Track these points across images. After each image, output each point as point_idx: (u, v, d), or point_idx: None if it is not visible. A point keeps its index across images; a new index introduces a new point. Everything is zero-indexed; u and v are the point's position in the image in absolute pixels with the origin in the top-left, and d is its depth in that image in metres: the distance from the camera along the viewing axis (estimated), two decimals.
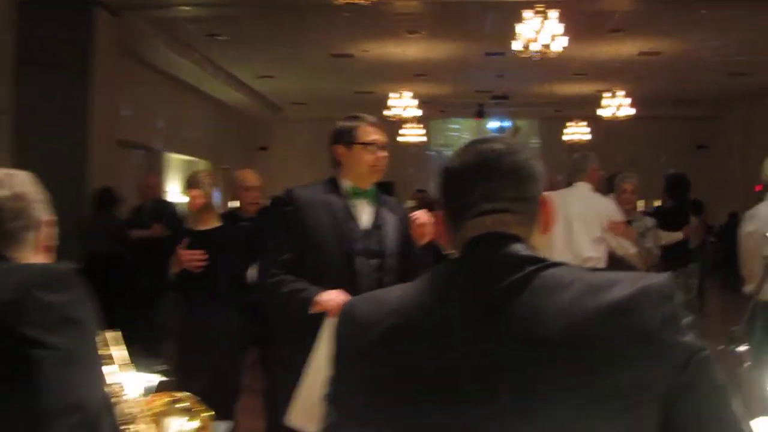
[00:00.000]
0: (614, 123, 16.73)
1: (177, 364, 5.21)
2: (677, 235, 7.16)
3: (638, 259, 6.32)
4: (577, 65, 14.93)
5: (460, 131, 22.89)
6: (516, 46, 10.54)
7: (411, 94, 16.25)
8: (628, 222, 6.43)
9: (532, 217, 1.49)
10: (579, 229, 6.47)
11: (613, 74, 15.58)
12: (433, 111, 19.95)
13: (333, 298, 3.39)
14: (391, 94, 16.20)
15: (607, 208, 6.49)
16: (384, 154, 3.71)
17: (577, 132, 19.41)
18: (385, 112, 16.06)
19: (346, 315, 1.49)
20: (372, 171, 3.69)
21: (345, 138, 3.71)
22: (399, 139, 18.97)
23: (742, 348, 3.68)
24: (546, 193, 1.54)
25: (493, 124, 22.04)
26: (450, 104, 20.09)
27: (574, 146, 18.87)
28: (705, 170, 18.93)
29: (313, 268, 3.55)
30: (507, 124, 22.48)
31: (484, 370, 1.33)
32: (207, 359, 5.10)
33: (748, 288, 5.27)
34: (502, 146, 1.50)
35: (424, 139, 19.84)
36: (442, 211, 1.52)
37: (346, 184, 3.71)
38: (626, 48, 13.67)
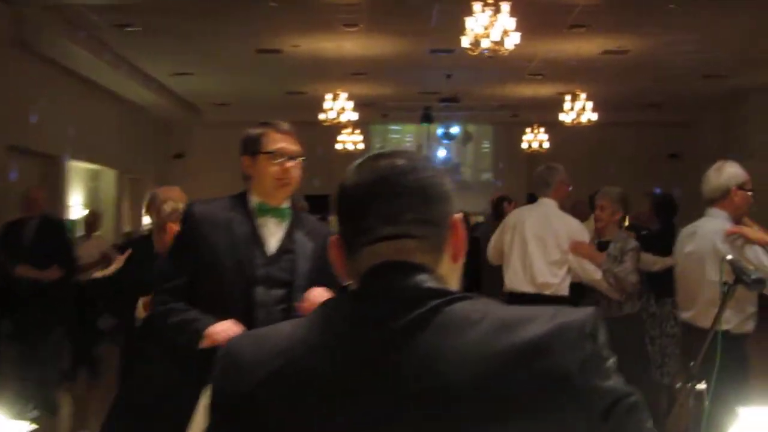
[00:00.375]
0: (576, 129, 16.84)
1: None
2: (668, 261, 7.13)
3: (606, 286, 6.36)
4: (534, 65, 15.09)
5: (404, 137, 23.06)
6: (465, 42, 10.59)
7: (347, 95, 16.23)
8: (604, 243, 6.48)
9: (439, 243, 1.47)
10: (534, 252, 6.55)
11: (574, 75, 15.75)
12: (373, 114, 20.09)
13: (226, 329, 3.35)
14: (325, 95, 16.17)
15: (568, 227, 6.55)
16: (292, 164, 3.66)
17: (535, 139, 19.56)
18: (320, 116, 16.08)
19: (225, 356, 1.46)
20: (278, 185, 3.64)
21: (250, 147, 3.67)
22: (336, 146, 18.92)
23: (701, 386, 3.76)
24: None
25: (440, 130, 22.25)
26: (392, 107, 20.22)
27: (533, 155, 19.37)
28: (677, 182, 18.89)
29: (208, 296, 3.51)
30: (456, 129, 22.64)
31: (377, 423, 1.31)
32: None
33: (688, 315, 5.35)
34: (405, 161, 1.49)
35: (363, 146, 19.70)
36: (338, 236, 1.50)
37: (254, 200, 3.67)
38: (589, 46, 13.83)
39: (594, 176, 14.90)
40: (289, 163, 3.65)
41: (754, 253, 4.99)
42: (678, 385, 3.88)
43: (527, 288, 6.58)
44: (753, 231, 5.13)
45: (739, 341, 4.94)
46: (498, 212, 10.20)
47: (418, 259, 1.44)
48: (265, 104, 17.82)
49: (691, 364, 3.80)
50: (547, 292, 6.52)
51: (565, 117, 16.45)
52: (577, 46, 13.73)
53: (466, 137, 23.11)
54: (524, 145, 19.84)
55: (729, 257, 4.00)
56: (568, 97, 16.46)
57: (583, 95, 16.27)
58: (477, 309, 1.36)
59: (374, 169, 1.48)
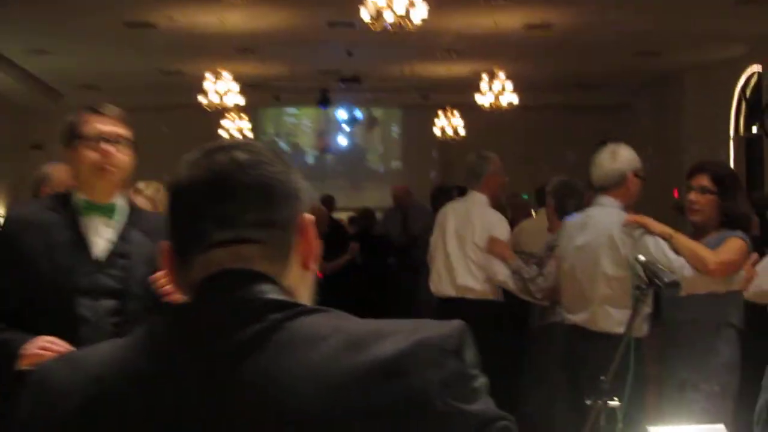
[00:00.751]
0: (495, 113, 16.80)
1: None
2: None
3: (514, 288, 6.47)
4: (446, 41, 15.08)
5: (299, 123, 23.16)
6: (364, 15, 10.50)
7: (232, 75, 16.10)
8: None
9: (285, 249, 1.49)
10: (453, 252, 6.79)
11: (492, 53, 15.77)
12: (263, 97, 19.98)
13: (46, 346, 3.29)
14: (206, 75, 16.02)
15: (486, 223, 6.69)
16: (112, 148, 3.55)
17: (449, 124, 19.61)
18: (200, 99, 15.97)
19: (35, 382, 1.45)
20: (99, 173, 3.55)
21: (67, 137, 3.61)
22: (220, 133, 18.77)
23: (614, 403, 3.91)
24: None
25: (342, 114, 22.34)
26: (285, 89, 20.09)
27: (447, 142, 19.71)
28: None
29: (28, 311, 3.44)
30: (359, 114, 22.76)
31: None
32: None
33: (578, 317, 5.41)
34: (247, 155, 1.49)
35: (251, 134, 19.83)
36: (168, 243, 1.51)
37: (78, 197, 3.58)
38: (508, 20, 13.85)
39: (515, 166, 14.84)
40: (109, 147, 3.53)
41: (656, 246, 5.07)
42: (588, 403, 3.98)
43: (450, 292, 6.79)
44: (655, 222, 5.22)
45: (638, 346, 5.02)
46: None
47: (259, 266, 1.45)
48: (137, 86, 17.63)
49: (602, 377, 3.90)
50: (471, 296, 6.69)
51: (483, 99, 16.33)
52: (495, 20, 13.72)
53: (372, 122, 23.19)
54: (437, 131, 19.94)
55: (641, 257, 4.12)
56: (485, 77, 16.37)
57: (502, 75, 16.21)
58: (325, 324, 1.38)
59: (210, 164, 1.49)
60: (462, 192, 7.18)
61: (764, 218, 10.45)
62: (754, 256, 5.11)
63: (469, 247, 6.70)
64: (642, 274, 4.04)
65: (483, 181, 6.79)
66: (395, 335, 1.34)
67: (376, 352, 1.32)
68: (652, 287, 3.99)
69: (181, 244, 1.48)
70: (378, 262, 11.67)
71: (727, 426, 3.80)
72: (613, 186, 5.36)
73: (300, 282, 1.50)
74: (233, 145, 1.53)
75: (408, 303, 10.58)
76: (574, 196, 6.83)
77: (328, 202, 14.24)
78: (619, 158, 5.38)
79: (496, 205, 7.06)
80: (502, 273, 6.52)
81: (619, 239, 5.20)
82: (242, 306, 1.39)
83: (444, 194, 10.36)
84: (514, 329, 7.28)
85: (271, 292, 1.42)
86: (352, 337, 1.35)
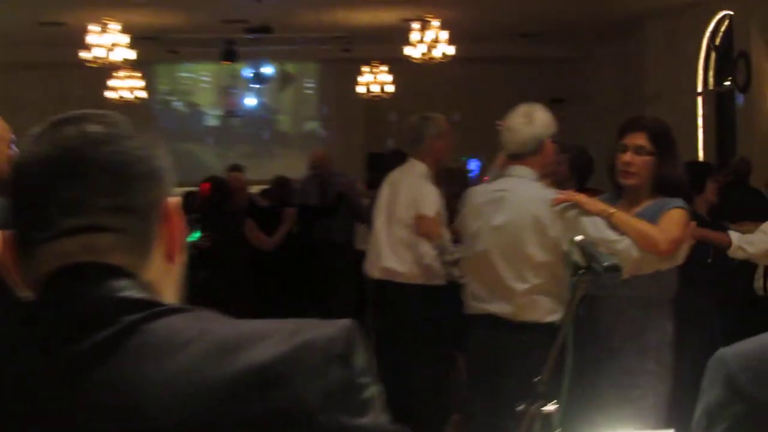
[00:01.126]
0: (428, 67, 17.01)
1: None
2: None
3: (445, 272, 6.53)
4: None
5: (200, 80, 23.35)
6: None
7: (120, 26, 16.02)
8: None
9: (146, 238, 1.50)
10: (381, 230, 7.00)
11: None
12: (157, 51, 20.03)
13: None
14: (90, 27, 15.88)
15: (416, 199, 6.72)
16: None
17: (375, 80, 19.80)
18: (82, 54, 15.94)
19: None
20: None
21: None
22: (108, 94, 19.02)
23: (551, 407, 3.96)
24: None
25: (249, 70, 22.35)
26: (183, 41, 20.00)
27: (373, 101, 20.14)
28: (563, 133, 19.28)
29: None
30: (270, 69, 22.75)
31: None
32: None
33: (496, 307, 5.33)
34: (100, 128, 1.50)
35: (144, 94, 19.88)
36: (11, 232, 1.52)
37: None
38: None
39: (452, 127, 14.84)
40: None
41: (595, 227, 5.04)
42: (520, 408, 4.02)
43: (377, 274, 6.99)
44: (589, 199, 5.25)
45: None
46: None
47: (115, 259, 1.46)
48: (12, 40, 17.52)
49: (536, 379, 3.97)
50: (398, 279, 6.84)
51: (413, 51, 16.51)
52: None
53: (285, 79, 23.19)
54: (361, 89, 20.11)
55: (578, 239, 4.15)
56: (416, 26, 16.50)
57: (435, 23, 16.31)
58: (190, 326, 1.38)
59: (56, 139, 1.49)
60: (402, 159, 7.20)
61: (733, 184, 10.37)
62: (692, 224, 5.23)
63: (395, 225, 6.80)
64: (578, 257, 4.07)
65: (424, 147, 6.81)
66: (272, 338, 1.34)
67: (248, 357, 1.32)
68: (590, 272, 4.00)
69: (24, 233, 1.48)
70: (303, 235, 11.69)
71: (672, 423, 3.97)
72: (530, 154, 5.31)
73: (163, 277, 1.51)
74: (84, 116, 1.52)
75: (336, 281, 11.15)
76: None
77: (237, 171, 13.91)
78: (535, 122, 5.34)
79: (440, 174, 7.12)
80: (429, 255, 6.59)
81: (546, 220, 5.14)
82: (94, 306, 1.40)
83: (379, 161, 10.37)
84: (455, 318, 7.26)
85: (129, 289, 1.42)
86: (221, 340, 1.35)
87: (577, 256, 4.06)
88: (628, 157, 5.14)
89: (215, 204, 9.89)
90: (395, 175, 7.08)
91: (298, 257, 11.41)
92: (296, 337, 1.34)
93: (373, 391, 1.36)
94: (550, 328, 4.76)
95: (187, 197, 9.24)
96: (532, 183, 5.31)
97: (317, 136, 23.09)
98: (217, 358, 1.33)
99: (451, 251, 6.32)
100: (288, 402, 1.31)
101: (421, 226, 6.58)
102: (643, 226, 5.03)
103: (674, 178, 5.21)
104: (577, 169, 8.00)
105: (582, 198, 5.20)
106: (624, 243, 4.96)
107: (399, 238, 6.72)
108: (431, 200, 6.72)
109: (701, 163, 11.61)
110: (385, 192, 7.02)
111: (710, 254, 6.78)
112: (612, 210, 5.09)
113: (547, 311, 5.14)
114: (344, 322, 1.37)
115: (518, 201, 5.25)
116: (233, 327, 1.38)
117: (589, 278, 4.02)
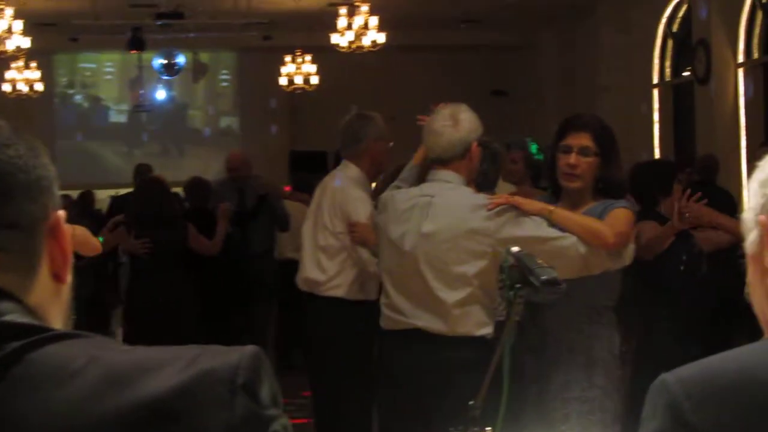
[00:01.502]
0: (356, 57, 17.14)
1: None
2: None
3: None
4: None
5: (103, 71, 23.36)
6: None
7: (13, 11, 15.80)
8: None
9: (30, 256, 1.47)
10: (306, 235, 7.10)
11: None
12: (57, 39, 19.98)
13: None
14: None
15: (341, 201, 6.82)
16: None
17: (298, 71, 19.87)
18: None
19: None
20: None
21: None
22: (3, 87, 19.13)
23: None
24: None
25: (159, 60, 22.11)
26: (86, 28, 19.81)
27: (296, 93, 20.38)
28: (505, 127, 19.21)
29: None
30: (182, 59, 22.47)
31: None
32: None
33: (423, 321, 5.36)
34: None
35: (42, 87, 19.79)
36: None
37: None
38: None
39: (383, 122, 14.83)
40: None
41: (537, 227, 5.18)
42: None
43: (300, 284, 7.09)
44: (526, 200, 5.39)
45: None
46: None
47: None
48: None
49: (471, 402, 3.95)
50: (320, 291, 6.92)
51: (340, 39, 16.63)
52: None
53: (199, 69, 23.12)
54: (283, 80, 20.13)
55: (514, 249, 4.13)
56: (343, 11, 16.57)
57: (364, 8, 16.40)
58: (79, 354, 1.36)
59: None
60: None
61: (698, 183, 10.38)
62: (707, 210, 5.68)
63: (320, 233, 6.88)
64: (515, 271, 4.06)
65: (362, 149, 6.88)
66: (169, 366, 1.32)
67: (144, 388, 1.29)
68: (527, 287, 4.01)
69: None
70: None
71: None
72: (457, 158, 5.41)
73: (51, 298, 1.48)
74: None
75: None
76: (495, 161, 6.56)
77: (145, 172, 13.71)
78: (461, 124, 5.43)
79: (377, 178, 7.25)
80: (371, 262, 6.62)
81: (480, 227, 5.23)
82: None
83: (302, 160, 10.27)
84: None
85: (10, 313, 1.38)
86: (114, 370, 1.32)
87: (513, 271, 4.06)
88: (572, 159, 5.27)
89: (153, 207, 9.69)
90: (326, 179, 7.20)
91: (234, 261, 11.32)
92: (196, 366, 1.32)
93: (281, 424, 1.35)
94: (484, 343, 5.02)
95: (118, 200, 9.10)
96: (461, 188, 5.41)
97: (234, 132, 23.20)
98: (107, 391, 1.30)
99: None
100: None
101: (355, 234, 6.64)
102: (587, 220, 5.19)
103: (617, 180, 5.45)
104: (532, 167, 8.27)
105: (518, 199, 5.35)
106: (570, 239, 5.10)
107: (323, 247, 6.82)
108: (360, 206, 6.77)
109: (666, 161, 11.55)
110: (316, 196, 7.10)
111: (682, 261, 6.94)
112: (551, 207, 5.23)
113: (479, 324, 5.24)
114: (249, 349, 1.36)
115: (448, 207, 5.35)
116: (127, 355, 1.37)
117: (526, 293, 4.01)
